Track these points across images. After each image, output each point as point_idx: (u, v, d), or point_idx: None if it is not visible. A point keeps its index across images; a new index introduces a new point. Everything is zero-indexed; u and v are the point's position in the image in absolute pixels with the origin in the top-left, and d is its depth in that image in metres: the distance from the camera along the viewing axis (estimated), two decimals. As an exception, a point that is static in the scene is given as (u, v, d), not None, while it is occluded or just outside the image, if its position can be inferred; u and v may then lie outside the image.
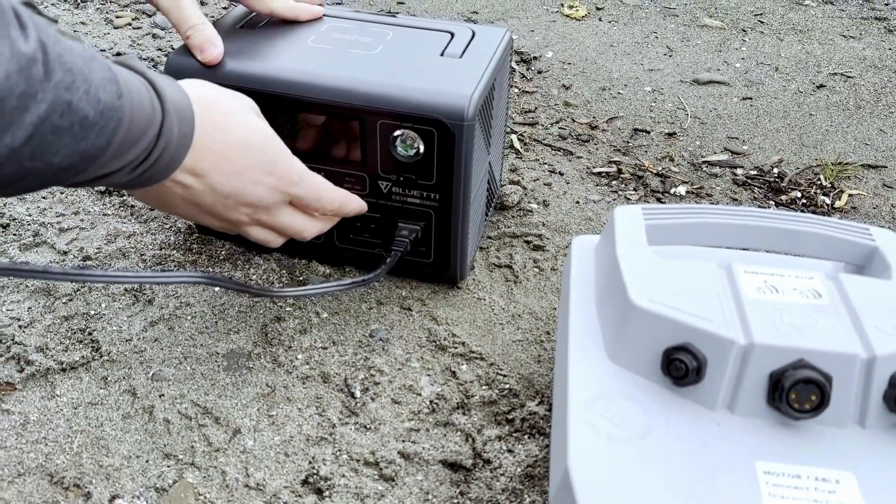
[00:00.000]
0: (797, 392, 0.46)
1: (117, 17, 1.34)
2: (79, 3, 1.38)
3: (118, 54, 1.21)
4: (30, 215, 0.86)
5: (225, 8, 1.44)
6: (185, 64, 0.72)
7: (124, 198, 0.90)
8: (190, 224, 0.86)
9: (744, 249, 0.65)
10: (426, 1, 1.53)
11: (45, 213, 0.86)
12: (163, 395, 0.66)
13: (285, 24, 0.79)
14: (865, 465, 0.45)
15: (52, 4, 1.37)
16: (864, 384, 0.47)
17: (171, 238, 0.84)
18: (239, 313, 0.75)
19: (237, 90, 0.71)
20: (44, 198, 0.89)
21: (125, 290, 0.77)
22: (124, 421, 0.64)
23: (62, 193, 0.90)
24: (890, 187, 1.01)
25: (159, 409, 0.65)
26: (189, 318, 0.75)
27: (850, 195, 0.98)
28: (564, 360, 0.54)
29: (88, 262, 0.80)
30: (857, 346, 0.47)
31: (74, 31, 1.28)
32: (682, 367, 0.48)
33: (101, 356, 0.70)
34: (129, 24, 1.32)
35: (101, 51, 1.22)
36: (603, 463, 0.45)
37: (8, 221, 0.84)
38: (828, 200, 0.96)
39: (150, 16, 1.36)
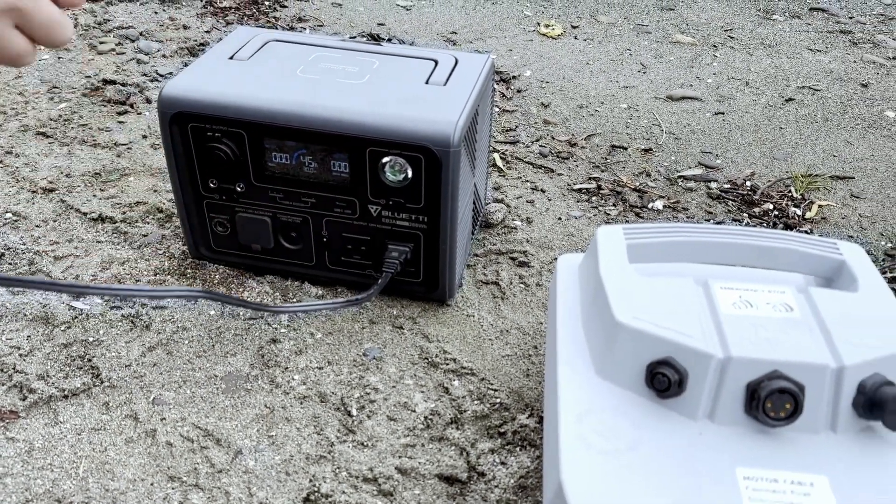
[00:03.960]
0: (772, 401, 0.49)
1: (101, 42, 1.35)
2: (62, 29, 1.39)
3: (104, 80, 1.22)
4: (24, 244, 0.87)
5: (208, 32, 1.46)
6: (182, 93, 0.74)
7: (117, 224, 0.92)
8: (184, 249, 0.88)
9: (720, 265, 0.68)
10: (406, 22, 1.56)
11: (39, 242, 0.88)
12: (164, 418, 0.68)
13: (274, 55, 0.82)
14: (838, 468, 0.49)
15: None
16: (834, 392, 0.50)
17: (166, 263, 0.86)
18: (235, 336, 0.77)
19: (231, 122, 0.74)
20: (37, 227, 0.90)
21: (122, 316, 0.79)
22: (127, 445, 0.66)
23: (55, 222, 0.91)
24: (857, 197, 1.06)
25: (161, 433, 0.67)
26: (186, 342, 0.76)
27: (819, 206, 1.02)
28: (554, 377, 0.56)
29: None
30: (828, 356, 0.50)
31: (59, 57, 1.29)
32: (664, 380, 0.51)
33: (102, 382, 0.71)
34: (113, 50, 1.33)
35: (87, 77, 1.24)
36: (594, 475, 0.48)
37: (2, 251, 0.86)
38: (798, 212, 1.01)
39: (132, 41, 1.38)
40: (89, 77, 1.24)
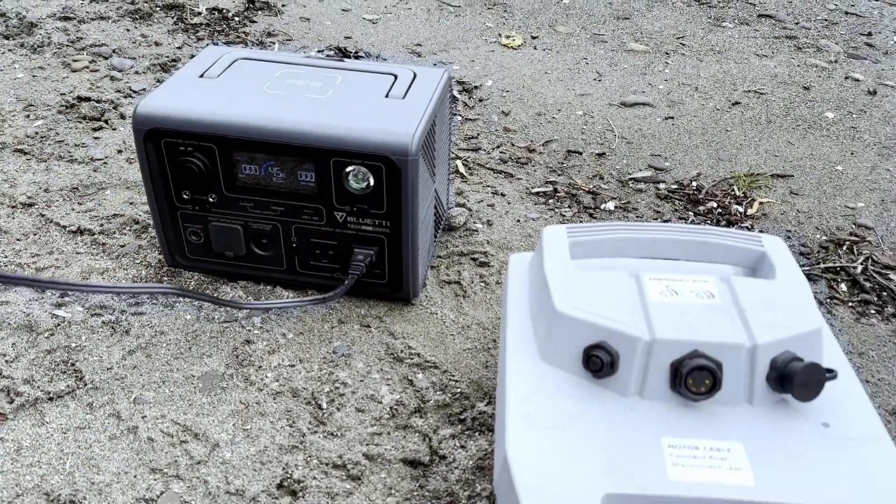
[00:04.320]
0: (693, 378, 0.55)
1: (74, 60, 1.39)
2: (35, 48, 1.43)
3: (79, 97, 1.26)
4: (5, 257, 0.91)
5: (179, 48, 1.50)
6: (155, 111, 0.79)
7: (95, 236, 0.96)
8: (160, 258, 0.92)
9: (653, 259, 0.74)
10: (372, 35, 1.62)
11: (21, 255, 0.92)
12: (145, 416, 0.73)
13: (242, 73, 0.87)
14: (752, 436, 0.55)
15: (10, 50, 1.42)
16: (749, 368, 0.57)
17: (143, 272, 0.91)
18: (210, 338, 0.82)
19: (202, 136, 0.78)
20: (18, 240, 0.94)
21: (103, 322, 0.83)
22: (111, 441, 0.70)
23: (35, 235, 0.95)
24: (796, 194, 1.13)
25: (143, 429, 0.71)
26: (164, 345, 0.81)
27: (760, 203, 1.09)
28: (504, 363, 0.62)
29: (66, 299, 0.85)
30: (743, 337, 0.57)
31: (34, 75, 1.33)
32: (598, 361, 0.57)
33: (85, 384, 0.75)
34: (87, 68, 1.37)
35: (62, 94, 1.28)
36: (536, 448, 0.53)
37: (-15, 264, 0.89)
38: (741, 209, 1.08)
39: (106, 58, 1.42)
40: (64, 94, 1.27)
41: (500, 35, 1.65)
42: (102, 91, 1.30)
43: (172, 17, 1.62)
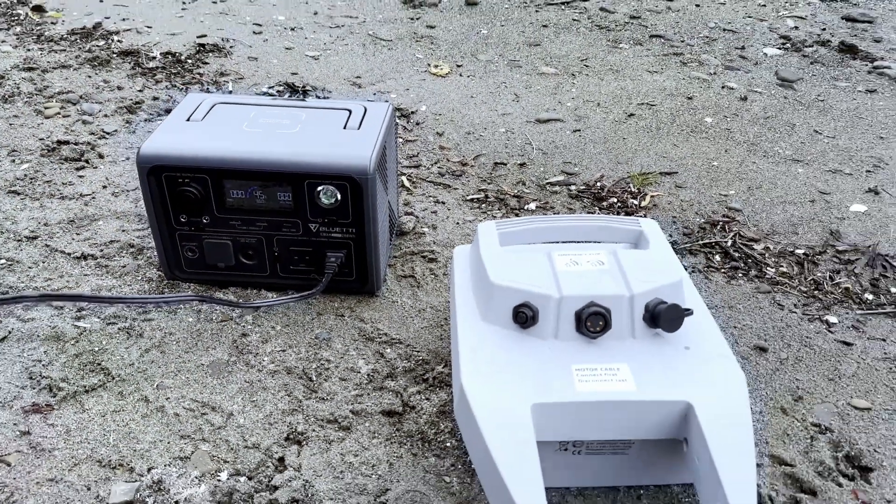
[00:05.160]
0: (591, 321, 0.77)
1: (46, 107, 1.53)
2: (7, 98, 1.56)
3: (58, 141, 1.41)
4: (22, 282, 1.06)
5: (140, 91, 1.65)
6: (157, 151, 0.96)
7: (98, 260, 1.12)
8: (160, 273, 1.09)
9: (562, 242, 0.96)
10: (316, 70, 1.81)
11: (35, 280, 1.07)
12: (168, 398, 0.90)
13: (223, 115, 1.05)
14: (635, 358, 0.77)
15: (-17, 101, 1.54)
16: (630, 312, 0.79)
17: (146, 286, 1.07)
18: (212, 335, 0.99)
19: (197, 169, 0.96)
20: (30, 268, 1.09)
21: (118, 329, 0.99)
22: (144, 419, 0.87)
23: (44, 262, 1.10)
24: (680, 187, 1.38)
25: (169, 408, 0.88)
26: (174, 343, 0.98)
27: (651, 196, 1.34)
28: (455, 325, 0.83)
29: (83, 312, 1.01)
30: (624, 289, 0.79)
31: (10, 123, 1.47)
32: (524, 316, 0.78)
33: (113, 378, 0.92)
34: (58, 114, 1.51)
35: (40, 139, 1.42)
36: (483, 380, 0.74)
37: (6, 289, 1.04)
38: (636, 202, 1.32)
39: (74, 104, 1.56)
40: (43, 139, 1.42)
41: (429, 65, 1.87)
42: (78, 134, 1.45)
43: (129, 63, 1.77)
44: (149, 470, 0.81)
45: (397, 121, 1.60)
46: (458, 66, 1.89)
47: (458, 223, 1.26)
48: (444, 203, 1.32)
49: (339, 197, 0.97)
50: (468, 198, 1.33)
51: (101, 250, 1.14)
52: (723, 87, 1.82)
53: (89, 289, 1.06)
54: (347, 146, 0.98)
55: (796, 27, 2.26)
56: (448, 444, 0.85)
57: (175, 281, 1.08)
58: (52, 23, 2.03)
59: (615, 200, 1.31)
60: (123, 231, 1.19)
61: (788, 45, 2.10)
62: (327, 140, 1.00)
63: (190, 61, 1.80)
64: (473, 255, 0.90)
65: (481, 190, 1.36)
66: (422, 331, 1.02)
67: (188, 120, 1.04)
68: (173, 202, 1.00)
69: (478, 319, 0.82)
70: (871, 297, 1.13)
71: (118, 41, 1.91)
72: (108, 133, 1.46)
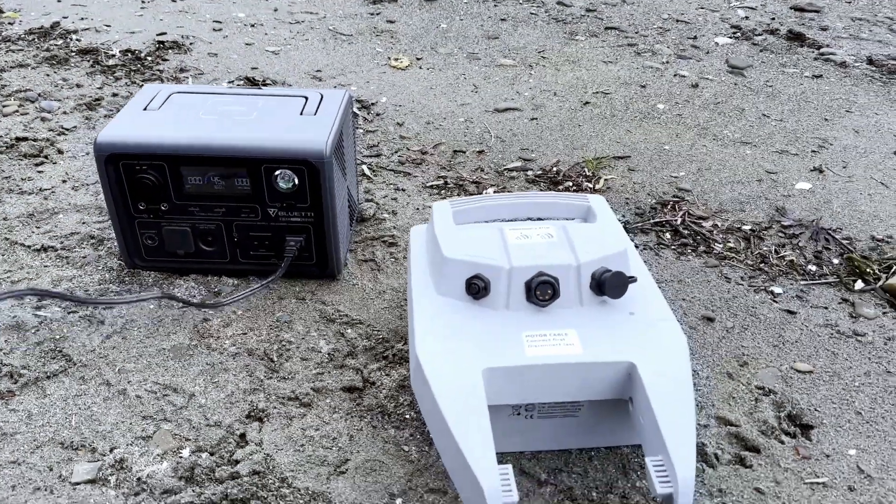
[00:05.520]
0: (540, 290, 0.80)
1: (3, 105, 1.52)
2: (-38, 96, 1.55)
3: (17, 138, 1.40)
4: (-19, 275, 1.06)
5: (100, 88, 1.65)
6: (114, 139, 0.97)
7: (58, 252, 1.12)
8: (120, 263, 1.10)
9: (514, 220, 0.99)
10: (276, 64, 1.83)
11: (-6, 272, 1.07)
12: (130, 381, 0.91)
13: (179, 104, 1.06)
14: (582, 324, 0.80)
15: (-63, 100, 1.53)
16: (577, 280, 0.82)
17: (107, 275, 1.08)
18: (173, 321, 1.01)
19: (154, 156, 0.98)
20: (-12, 260, 1.09)
21: (80, 317, 1.00)
22: (106, 402, 0.88)
23: (3, 255, 1.10)
24: (633, 170, 1.43)
25: (130, 391, 0.89)
26: (135, 329, 0.99)
27: (605, 179, 1.38)
28: (411, 298, 0.85)
29: (44, 302, 1.02)
30: (571, 259, 0.82)
31: (-33, 121, 1.46)
32: (476, 287, 0.81)
33: (75, 364, 0.93)
34: (17, 112, 1.51)
35: (-3, 136, 1.41)
36: (437, 349, 0.76)
37: (-36, 282, 1.04)
38: (591, 185, 1.35)
39: (32, 102, 1.56)
40: (1, 136, 1.41)
41: (389, 58, 1.90)
42: (37, 131, 1.44)
43: (88, 61, 1.76)
44: (111, 450, 0.82)
45: (358, 112, 1.62)
46: (418, 59, 1.92)
47: (417, 209, 1.28)
48: (404, 190, 1.34)
49: (296, 181, 0.99)
50: (428, 184, 1.36)
51: (62, 242, 1.14)
52: (675, 76, 1.87)
53: (50, 280, 1.06)
54: (304, 131, 1.00)
55: (747, 17, 2.33)
56: (407, 416, 0.87)
57: (136, 269, 1.09)
58: (9, 23, 2.02)
59: (570, 184, 1.35)
60: (84, 223, 1.19)
61: (739, 34, 2.16)
62: (284, 125, 1.02)
63: (150, 58, 1.80)
64: (429, 231, 0.92)
65: (441, 177, 1.39)
66: (382, 311, 1.04)
67: (145, 109, 1.05)
68: (131, 190, 1.01)
69: (433, 293, 0.85)
70: (814, 268, 1.18)
71: (77, 40, 1.90)
72: (67, 129, 1.45)
